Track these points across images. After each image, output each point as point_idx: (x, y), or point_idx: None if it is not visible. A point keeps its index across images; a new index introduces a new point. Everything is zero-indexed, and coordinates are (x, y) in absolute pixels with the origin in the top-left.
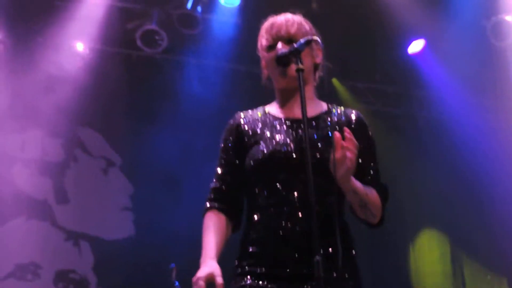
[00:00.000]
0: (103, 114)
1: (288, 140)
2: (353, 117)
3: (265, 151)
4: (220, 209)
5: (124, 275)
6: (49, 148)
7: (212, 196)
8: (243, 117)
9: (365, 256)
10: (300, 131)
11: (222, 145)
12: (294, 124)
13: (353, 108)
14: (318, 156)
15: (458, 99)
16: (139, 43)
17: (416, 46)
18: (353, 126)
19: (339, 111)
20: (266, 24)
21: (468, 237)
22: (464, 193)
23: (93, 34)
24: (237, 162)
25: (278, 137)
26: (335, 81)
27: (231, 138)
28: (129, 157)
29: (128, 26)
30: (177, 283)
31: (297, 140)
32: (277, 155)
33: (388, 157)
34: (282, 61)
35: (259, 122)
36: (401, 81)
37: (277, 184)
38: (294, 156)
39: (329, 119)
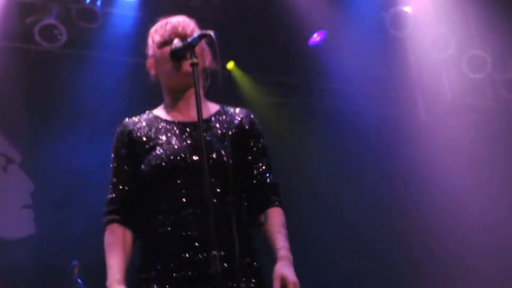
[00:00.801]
0: (2, 110)
1: (183, 143)
2: (245, 117)
3: (162, 156)
4: (121, 221)
5: (24, 274)
6: None
7: (110, 208)
8: (133, 123)
9: None
10: (194, 133)
11: (114, 154)
12: (187, 126)
13: (251, 102)
14: (214, 157)
15: (359, 90)
16: (37, 37)
17: (316, 38)
18: (246, 127)
19: (231, 111)
20: (160, 22)
21: None
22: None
23: None
24: (131, 170)
25: (173, 141)
26: (232, 65)
27: (122, 146)
28: (29, 154)
29: (26, 21)
30: (79, 280)
31: (192, 143)
32: (174, 160)
33: (289, 148)
34: (177, 55)
35: (151, 127)
36: (302, 73)
37: (176, 188)
38: (190, 159)
39: (221, 119)
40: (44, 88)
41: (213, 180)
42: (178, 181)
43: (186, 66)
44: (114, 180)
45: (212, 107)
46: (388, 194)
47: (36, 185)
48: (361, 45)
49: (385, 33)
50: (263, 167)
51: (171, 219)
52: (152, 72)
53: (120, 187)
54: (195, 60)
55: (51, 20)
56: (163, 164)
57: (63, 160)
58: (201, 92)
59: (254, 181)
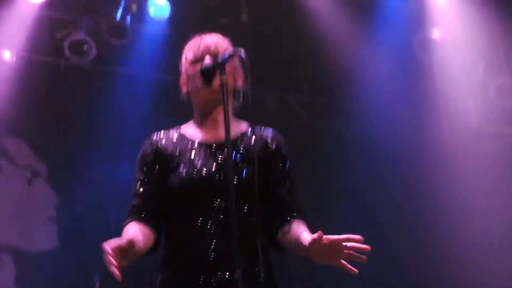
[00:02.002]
0: (30, 123)
1: (208, 163)
2: (270, 137)
3: (185, 176)
4: (142, 222)
5: (47, 287)
6: None
7: (131, 213)
8: (160, 138)
9: None
10: (218, 153)
11: (139, 164)
12: (212, 146)
13: (278, 123)
14: (239, 178)
15: (386, 113)
16: (67, 52)
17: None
18: (272, 147)
19: (259, 132)
20: (194, 39)
21: None
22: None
23: (21, 42)
24: (155, 182)
25: (197, 161)
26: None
27: (150, 158)
28: (55, 167)
29: (56, 35)
30: None
31: (216, 163)
32: (196, 180)
33: (317, 168)
34: (207, 73)
35: (176, 144)
36: (329, 94)
37: (199, 207)
38: (214, 180)
39: (248, 140)
40: (72, 102)
41: (237, 201)
42: (200, 201)
43: (216, 84)
44: (138, 189)
45: (240, 127)
46: (414, 218)
47: (60, 198)
48: (388, 69)
49: (413, 58)
50: (287, 191)
51: (192, 236)
52: (184, 89)
53: (143, 196)
54: (224, 78)
55: (81, 35)
56: (185, 184)
57: (89, 174)
58: (230, 111)
59: (277, 204)
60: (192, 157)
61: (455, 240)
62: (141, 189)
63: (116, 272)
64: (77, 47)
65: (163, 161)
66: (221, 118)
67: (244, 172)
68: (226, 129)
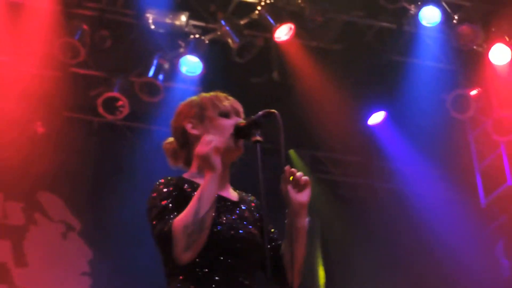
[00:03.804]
0: (64, 179)
1: (233, 221)
2: (257, 203)
3: (220, 230)
4: None
5: None
6: (9, 211)
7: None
8: (182, 181)
9: None
10: (237, 211)
11: (169, 190)
12: (230, 203)
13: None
14: (256, 238)
15: (417, 171)
16: (100, 109)
17: (376, 118)
18: (259, 212)
19: (249, 197)
20: (215, 93)
21: None
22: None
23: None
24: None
25: (223, 216)
26: (292, 152)
27: (177, 193)
28: (88, 222)
29: (90, 93)
30: None
31: (239, 221)
32: (224, 235)
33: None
34: (240, 131)
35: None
36: (361, 152)
37: (221, 260)
38: (235, 237)
39: (249, 202)
40: (105, 158)
41: (252, 258)
42: (219, 257)
43: (240, 144)
44: (170, 206)
45: (233, 191)
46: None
47: (94, 253)
48: (420, 126)
49: (446, 115)
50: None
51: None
52: (195, 132)
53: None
54: (259, 138)
55: (114, 93)
56: (213, 238)
57: (122, 229)
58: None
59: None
60: (217, 211)
61: None
62: (171, 207)
63: None
64: (110, 104)
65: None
66: (227, 177)
67: (255, 232)
68: (260, 188)
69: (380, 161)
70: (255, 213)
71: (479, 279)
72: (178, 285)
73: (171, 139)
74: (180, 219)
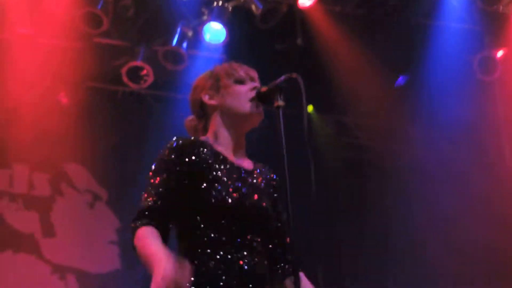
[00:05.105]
0: (90, 149)
1: (245, 188)
2: (274, 177)
3: (225, 197)
4: (158, 228)
5: None
6: (36, 182)
7: (149, 214)
8: (193, 144)
9: None
10: (250, 179)
11: (164, 164)
12: (244, 171)
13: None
14: (262, 207)
15: (445, 135)
16: (125, 79)
17: (401, 81)
18: (276, 184)
19: (264, 168)
20: (230, 64)
21: None
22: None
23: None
24: (177, 188)
25: (235, 183)
26: (311, 109)
27: (177, 162)
28: (115, 191)
29: (113, 62)
30: None
31: (251, 191)
32: (233, 204)
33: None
34: (262, 96)
35: (209, 158)
36: (385, 116)
37: (231, 228)
38: (248, 204)
39: (263, 174)
40: (130, 127)
41: (258, 229)
42: (231, 224)
43: (261, 109)
44: (159, 189)
45: (249, 160)
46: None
47: (121, 221)
48: (447, 89)
49: (472, 77)
50: (286, 227)
51: (219, 258)
52: (212, 102)
53: (163, 198)
54: (281, 102)
55: (138, 62)
56: (222, 205)
57: None
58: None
59: (279, 236)
60: (229, 178)
61: None
62: (161, 190)
63: None
64: (134, 73)
65: (195, 171)
66: (244, 141)
67: (267, 202)
68: (282, 158)
69: (407, 126)
70: (270, 189)
71: None
72: (187, 247)
73: (191, 116)
74: (137, 239)
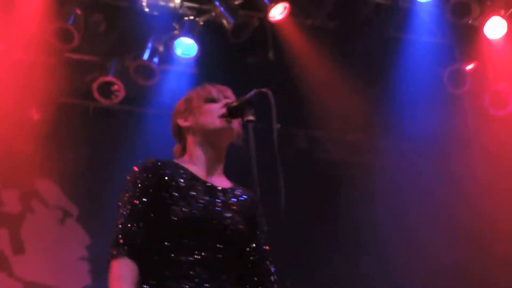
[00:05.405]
0: (61, 165)
1: (215, 206)
2: (254, 199)
3: (192, 214)
4: (133, 257)
5: None
6: (5, 199)
7: (127, 241)
8: (164, 165)
9: None
10: (222, 198)
11: (139, 184)
12: (216, 189)
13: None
14: (232, 226)
15: (415, 147)
16: (96, 94)
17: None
18: (258, 207)
19: (241, 190)
20: (202, 85)
21: None
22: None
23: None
24: (147, 209)
25: (203, 200)
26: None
27: (151, 181)
28: (86, 208)
29: (85, 78)
30: None
31: (223, 207)
32: (199, 219)
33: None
34: (233, 111)
35: (180, 178)
36: (357, 129)
37: (195, 245)
38: (215, 223)
39: (238, 194)
40: (101, 143)
41: (223, 246)
42: (197, 241)
43: (236, 124)
44: (135, 210)
45: (227, 180)
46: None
47: (92, 238)
48: (417, 102)
49: (443, 90)
50: (266, 251)
51: (181, 274)
52: (186, 124)
53: (138, 219)
54: (251, 117)
55: (109, 77)
56: (187, 221)
57: None
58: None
59: (255, 259)
60: (199, 195)
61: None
62: (137, 211)
63: None
64: (105, 89)
65: (167, 190)
66: (222, 160)
67: (236, 221)
68: (253, 171)
69: (378, 139)
70: (246, 208)
71: None
72: (150, 267)
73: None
74: (112, 276)
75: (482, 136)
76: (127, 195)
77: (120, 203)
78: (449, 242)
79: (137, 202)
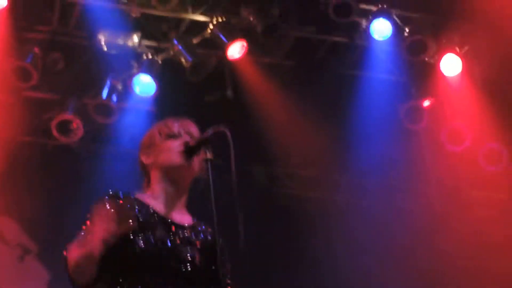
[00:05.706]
0: (21, 203)
1: (172, 242)
2: (216, 236)
3: (148, 249)
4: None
5: None
6: None
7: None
8: (125, 199)
9: None
10: (181, 234)
11: (105, 213)
12: (175, 225)
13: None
14: (193, 263)
15: (374, 182)
16: (55, 132)
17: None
18: (220, 244)
19: (203, 227)
20: (166, 120)
21: None
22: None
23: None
24: (111, 239)
25: (160, 235)
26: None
27: (116, 214)
28: (45, 244)
29: (43, 116)
30: None
31: (181, 243)
32: (155, 256)
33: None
34: (190, 150)
35: (139, 213)
36: (316, 165)
37: (152, 283)
38: (173, 258)
39: (200, 231)
40: (61, 181)
41: (183, 284)
42: (156, 279)
43: (196, 162)
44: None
45: (189, 216)
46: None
47: (51, 274)
48: (375, 137)
49: (400, 125)
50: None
51: None
52: (148, 160)
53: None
54: (209, 156)
55: (68, 115)
56: (145, 257)
57: None
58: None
59: None
60: (155, 231)
61: None
62: (100, 236)
63: None
64: (64, 127)
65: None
66: (184, 198)
67: (200, 258)
68: (211, 209)
69: (336, 175)
70: (206, 245)
71: None
72: None
73: None
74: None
75: (439, 171)
76: (88, 223)
77: (81, 231)
78: (405, 279)
79: (105, 229)
